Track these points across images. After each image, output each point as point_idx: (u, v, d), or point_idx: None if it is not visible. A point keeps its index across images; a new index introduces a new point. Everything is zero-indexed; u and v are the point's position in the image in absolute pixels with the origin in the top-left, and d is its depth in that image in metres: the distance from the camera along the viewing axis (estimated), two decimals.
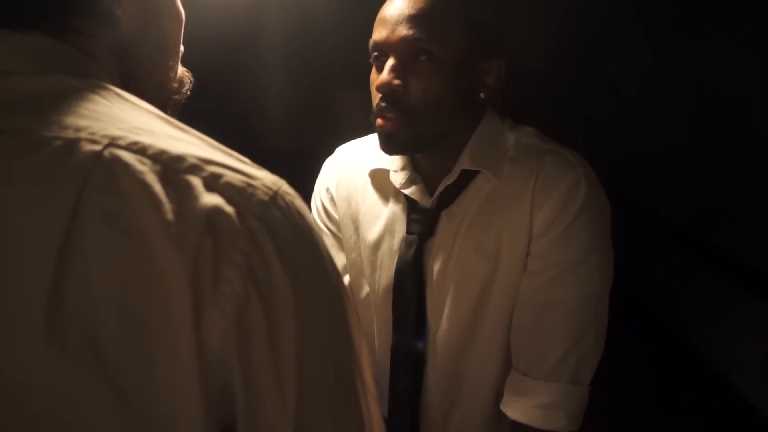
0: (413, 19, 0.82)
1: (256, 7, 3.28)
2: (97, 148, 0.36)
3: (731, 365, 2.65)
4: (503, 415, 0.91)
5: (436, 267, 0.92)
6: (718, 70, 2.85)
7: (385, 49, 0.84)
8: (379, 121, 0.86)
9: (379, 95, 0.85)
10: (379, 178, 0.99)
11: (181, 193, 0.36)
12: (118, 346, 0.34)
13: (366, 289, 1.00)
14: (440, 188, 0.91)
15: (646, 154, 3.64)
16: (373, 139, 1.04)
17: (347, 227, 1.02)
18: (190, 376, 0.35)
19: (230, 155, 0.41)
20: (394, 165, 0.96)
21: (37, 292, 0.34)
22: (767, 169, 2.47)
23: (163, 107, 0.49)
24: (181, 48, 0.56)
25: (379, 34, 0.85)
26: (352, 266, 1.02)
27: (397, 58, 0.83)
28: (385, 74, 0.83)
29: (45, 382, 0.34)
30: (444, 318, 0.92)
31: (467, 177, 0.91)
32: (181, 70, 0.57)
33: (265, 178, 0.40)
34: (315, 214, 1.07)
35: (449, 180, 0.91)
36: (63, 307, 0.34)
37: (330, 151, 1.09)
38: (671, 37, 3.34)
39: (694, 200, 3.11)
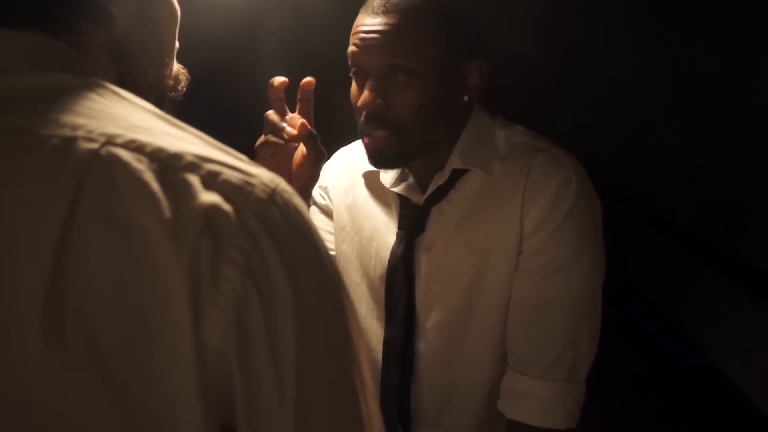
0: (387, 38, 0.81)
1: (255, 4, 3.28)
2: (95, 146, 0.36)
3: (731, 363, 2.66)
4: (497, 411, 0.91)
5: (427, 262, 0.93)
6: (719, 68, 2.86)
7: (362, 67, 0.84)
8: (366, 139, 0.87)
9: (363, 113, 0.85)
10: (371, 180, 1.00)
11: (179, 192, 0.36)
12: (116, 345, 0.34)
13: (358, 282, 1.01)
14: (431, 188, 0.92)
15: (647, 152, 3.65)
16: None
17: (342, 217, 1.03)
18: (189, 374, 0.35)
19: (228, 153, 0.41)
20: None
21: (34, 291, 0.34)
22: (767, 166, 2.48)
23: (159, 104, 0.49)
24: (177, 44, 0.56)
25: (354, 47, 0.84)
26: (342, 256, 1.03)
27: (375, 78, 0.83)
28: (366, 95, 0.83)
29: (43, 382, 0.34)
30: (435, 313, 0.93)
31: (458, 174, 0.92)
32: (176, 67, 0.57)
33: (262, 175, 0.40)
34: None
35: (441, 180, 0.91)
36: (61, 306, 0.34)
37: (328, 150, 1.09)
38: (671, 34, 3.34)
39: (693, 198, 3.12)
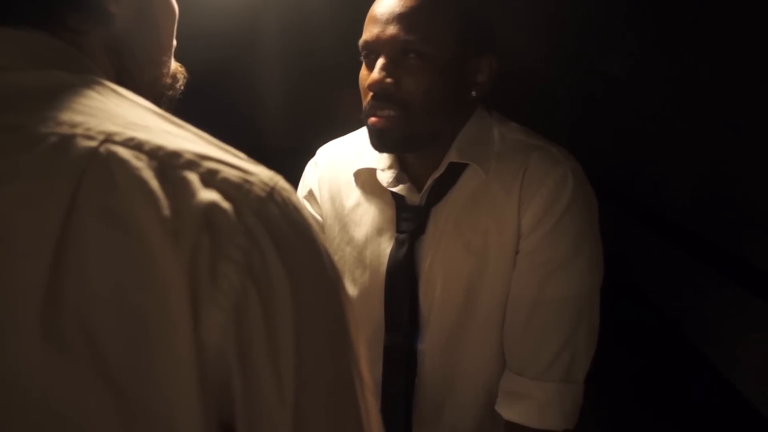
0: (403, 19, 0.82)
1: (254, 4, 3.27)
2: (93, 144, 0.36)
3: (730, 363, 2.66)
4: (497, 412, 0.91)
5: (427, 265, 0.92)
6: (718, 66, 2.86)
7: (375, 48, 0.84)
8: (372, 119, 0.86)
9: (371, 93, 0.85)
10: (363, 178, 0.98)
11: (178, 189, 0.36)
12: (115, 343, 0.34)
13: (351, 289, 0.99)
14: (428, 183, 0.91)
15: (647, 151, 3.65)
16: (355, 137, 1.04)
17: (331, 228, 1.01)
18: (188, 372, 0.35)
19: (226, 151, 0.41)
20: (380, 164, 0.95)
21: (33, 289, 0.34)
22: (766, 164, 2.48)
23: (157, 102, 0.49)
24: (174, 43, 0.56)
25: (369, 33, 0.85)
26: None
27: (387, 57, 0.83)
28: (376, 73, 0.83)
29: (42, 380, 0.34)
30: (434, 314, 0.92)
31: (455, 172, 0.91)
32: (174, 66, 0.57)
33: (261, 173, 0.40)
34: None
35: (437, 173, 0.91)
36: (60, 304, 0.34)
37: None
38: (670, 33, 3.34)
39: (693, 197, 3.12)
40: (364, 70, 0.89)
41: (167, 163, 0.37)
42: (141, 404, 0.35)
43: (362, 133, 1.02)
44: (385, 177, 0.94)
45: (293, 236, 0.39)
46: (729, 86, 2.76)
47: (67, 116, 0.38)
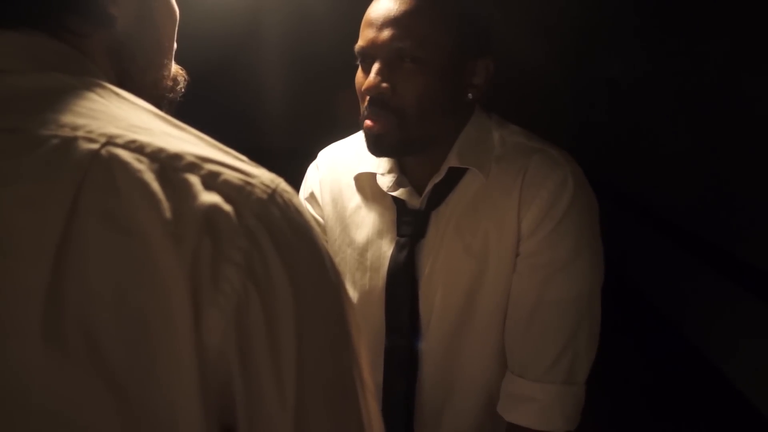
0: (398, 23, 0.81)
1: (254, 5, 3.28)
2: (95, 146, 0.36)
3: (730, 363, 2.66)
4: (497, 414, 0.91)
5: (428, 268, 0.92)
6: (720, 69, 2.86)
7: (370, 53, 0.84)
8: (367, 122, 0.86)
9: (367, 98, 0.85)
10: (364, 181, 0.98)
11: (180, 192, 0.36)
12: (117, 345, 0.34)
13: (352, 291, 0.98)
14: (429, 187, 0.91)
15: (648, 152, 3.65)
16: (356, 139, 1.04)
17: (333, 230, 1.01)
18: (189, 374, 0.35)
19: (228, 153, 0.41)
20: (380, 168, 0.95)
21: (35, 291, 0.34)
22: (767, 165, 2.48)
23: (157, 105, 0.49)
24: (175, 45, 0.56)
25: (364, 37, 0.85)
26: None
27: (382, 62, 0.83)
28: (372, 78, 0.83)
29: (44, 382, 0.34)
30: (435, 318, 0.92)
31: (455, 176, 0.91)
32: (175, 68, 0.57)
33: (262, 176, 0.40)
34: None
35: (437, 178, 0.90)
36: (61, 306, 0.34)
37: None
38: (673, 35, 3.34)
39: (693, 198, 3.12)
40: (359, 74, 0.88)
41: (168, 165, 0.37)
42: (142, 405, 0.35)
43: (363, 135, 1.02)
44: (385, 181, 0.94)
45: (294, 238, 0.39)
46: (729, 88, 2.76)
47: (68, 119, 0.38)
